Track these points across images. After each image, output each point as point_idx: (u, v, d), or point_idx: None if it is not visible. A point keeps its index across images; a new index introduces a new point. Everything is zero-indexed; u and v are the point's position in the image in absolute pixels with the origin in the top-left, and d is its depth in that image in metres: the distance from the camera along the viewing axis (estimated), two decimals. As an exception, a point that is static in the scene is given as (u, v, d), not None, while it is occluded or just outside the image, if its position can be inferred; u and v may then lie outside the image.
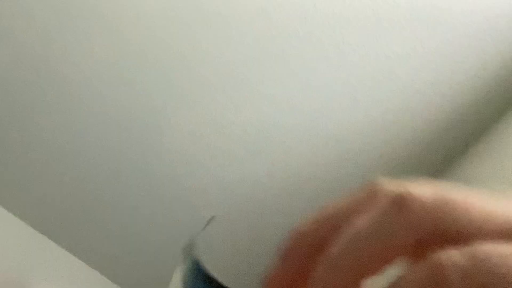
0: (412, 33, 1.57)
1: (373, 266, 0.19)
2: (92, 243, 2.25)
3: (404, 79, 1.67)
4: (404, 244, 0.19)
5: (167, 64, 1.72)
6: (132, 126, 1.88)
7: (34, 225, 2.21)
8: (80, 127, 1.90)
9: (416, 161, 1.86)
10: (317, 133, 1.83)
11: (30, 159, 2.00)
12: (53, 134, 1.94)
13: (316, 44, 1.63)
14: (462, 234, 0.19)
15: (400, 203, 0.19)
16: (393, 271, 0.20)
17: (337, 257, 0.19)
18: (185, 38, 1.66)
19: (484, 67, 1.61)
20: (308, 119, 1.80)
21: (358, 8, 1.55)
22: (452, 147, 1.81)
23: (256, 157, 1.93)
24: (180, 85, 1.77)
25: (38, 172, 2.04)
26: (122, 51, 1.72)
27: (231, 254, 2.23)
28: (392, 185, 0.21)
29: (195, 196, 2.05)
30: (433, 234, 0.19)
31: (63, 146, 1.97)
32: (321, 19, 1.58)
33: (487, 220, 0.19)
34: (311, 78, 1.70)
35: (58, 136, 1.95)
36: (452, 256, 0.18)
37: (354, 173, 1.92)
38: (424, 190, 0.20)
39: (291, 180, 1.97)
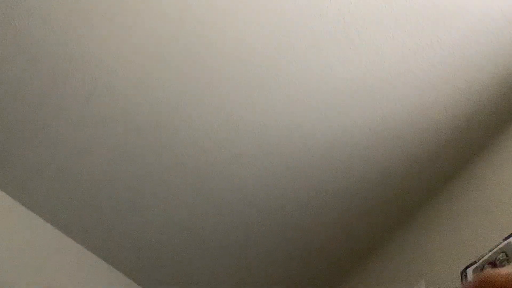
0: (428, 29, 1.56)
1: None
2: (106, 238, 2.27)
3: (420, 76, 1.66)
4: None
5: (183, 63, 1.72)
6: (147, 124, 1.88)
7: (55, 223, 2.23)
8: (96, 125, 1.90)
9: (433, 158, 1.85)
10: (332, 132, 1.83)
11: (47, 159, 2.02)
12: (68, 135, 1.95)
13: (331, 42, 1.62)
14: None
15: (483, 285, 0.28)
16: None
17: None
18: (200, 36, 1.66)
19: (501, 64, 1.60)
20: (323, 118, 1.79)
21: (373, 5, 1.54)
22: (468, 144, 1.80)
23: (270, 156, 1.93)
24: (196, 84, 1.77)
25: (60, 173, 2.05)
26: (137, 50, 1.72)
27: (239, 255, 2.23)
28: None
29: (208, 194, 2.05)
30: None
31: (78, 146, 1.98)
32: (336, 16, 1.57)
33: None
34: (326, 76, 1.70)
35: (72, 136, 1.95)
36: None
37: (368, 171, 1.92)
38: (499, 273, 0.28)
39: (304, 181, 1.97)
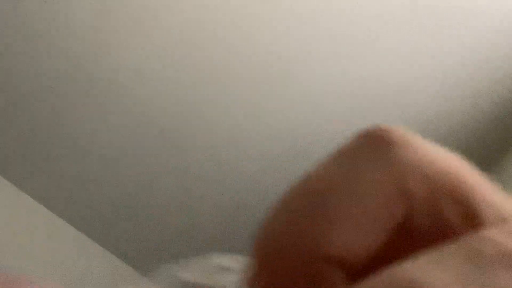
0: (448, 31, 1.55)
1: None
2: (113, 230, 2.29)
3: (439, 79, 1.65)
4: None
5: (193, 61, 1.74)
6: (153, 122, 1.90)
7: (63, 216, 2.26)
8: (100, 123, 1.93)
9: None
10: (345, 134, 1.82)
11: (56, 155, 2.05)
12: (79, 132, 1.98)
13: (349, 44, 1.62)
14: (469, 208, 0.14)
15: (377, 138, 0.15)
16: None
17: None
18: (214, 36, 1.68)
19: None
20: (337, 120, 1.79)
21: (392, 8, 1.53)
22: (489, 148, 1.78)
23: (276, 157, 1.92)
24: (207, 83, 1.78)
25: (77, 172, 2.08)
26: (149, 52, 1.74)
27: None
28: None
29: (216, 189, 2.06)
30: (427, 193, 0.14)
31: (91, 143, 2.01)
32: (354, 18, 1.57)
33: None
34: (342, 78, 1.69)
35: (82, 132, 1.98)
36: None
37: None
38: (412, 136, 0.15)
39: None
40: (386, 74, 1.66)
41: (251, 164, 1.93)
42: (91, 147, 1.98)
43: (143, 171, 2.03)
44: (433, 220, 0.14)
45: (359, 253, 0.13)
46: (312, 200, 0.14)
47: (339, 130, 1.81)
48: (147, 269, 2.36)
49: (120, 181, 2.07)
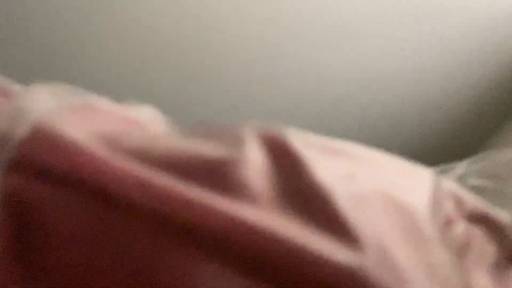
0: (429, 25, 1.57)
1: None
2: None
3: (418, 71, 1.67)
4: None
5: (185, 53, 1.71)
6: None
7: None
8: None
9: (429, 156, 1.86)
10: (329, 129, 1.83)
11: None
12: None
13: (333, 37, 1.62)
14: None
15: None
16: None
17: None
18: (206, 30, 1.66)
19: (502, 59, 1.61)
20: (320, 113, 1.80)
21: (377, 1, 1.54)
22: (466, 139, 1.81)
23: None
24: (198, 77, 1.76)
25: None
26: (136, 44, 1.71)
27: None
28: None
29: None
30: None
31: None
32: (340, 11, 1.57)
33: None
34: (327, 70, 1.70)
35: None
36: None
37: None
38: None
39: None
40: (367, 67, 1.68)
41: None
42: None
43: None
44: None
45: None
46: None
47: (332, 121, 1.82)
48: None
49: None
